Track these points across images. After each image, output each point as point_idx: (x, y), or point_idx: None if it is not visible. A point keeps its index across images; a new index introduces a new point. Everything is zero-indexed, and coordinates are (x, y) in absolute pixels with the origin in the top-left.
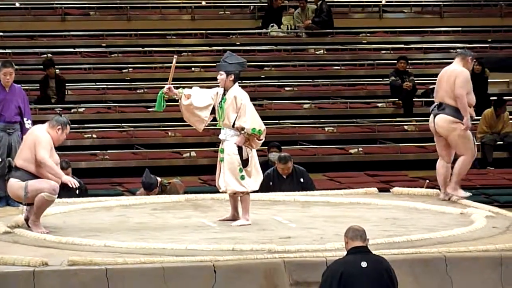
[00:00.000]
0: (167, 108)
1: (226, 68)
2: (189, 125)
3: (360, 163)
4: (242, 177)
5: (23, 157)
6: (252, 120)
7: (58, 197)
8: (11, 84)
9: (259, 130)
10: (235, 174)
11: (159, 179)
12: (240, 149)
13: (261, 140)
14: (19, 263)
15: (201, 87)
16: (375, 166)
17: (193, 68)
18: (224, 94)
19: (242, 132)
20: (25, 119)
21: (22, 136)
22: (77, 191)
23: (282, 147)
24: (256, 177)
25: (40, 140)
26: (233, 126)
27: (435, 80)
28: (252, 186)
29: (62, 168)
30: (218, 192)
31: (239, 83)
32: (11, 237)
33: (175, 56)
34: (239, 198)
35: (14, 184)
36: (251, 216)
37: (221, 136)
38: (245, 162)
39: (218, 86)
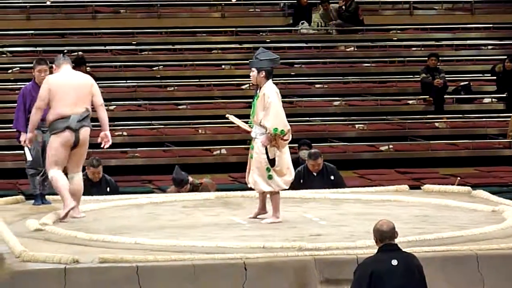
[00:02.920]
0: (197, 106)
1: (257, 64)
2: (219, 123)
3: (391, 160)
4: (270, 177)
5: None
6: (275, 120)
7: (89, 195)
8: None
9: (282, 130)
10: (262, 173)
11: (190, 178)
12: (266, 148)
13: (287, 140)
14: (50, 260)
15: (230, 84)
16: (406, 163)
17: (223, 66)
18: (256, 91)
19: (266, 132)
20: None
21: None
22: (108, 189)
23: (312, 144)
24: (285, 176)
25: None
26: (260, 124)
27: (466, 77)
28: (280, 185)
29: (93, 166)
30: (248, 189)
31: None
32: (43, 234)
33: (229, 115)
34: (268, 195)
35: None
36: (281, 214)
37: (252, 133)
38: (272, 162)
39: (248, 83)
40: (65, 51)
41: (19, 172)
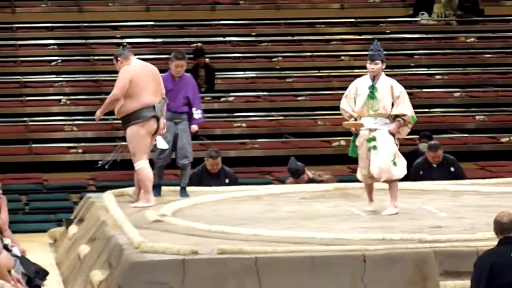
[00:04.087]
0: (316, 97)
1: (382, 57)
2: (338, 114)
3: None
4: (395, 164)
5: None
6: (411, 108)
7: (208, 186)
8: (182, 74)
9: (414, 117)
10: (389, 161)
11: (311, 174)
12: (393, 136)
13: (410, 128)
14: (169, 251)
15: (349, 76)
16: None
17: (342, 57)
18: (373, 84)
19: (398, 119)
20: (194, 109)
21: (190, 126)
22: (227, 180)
23: (432, 135)
24: (402, 162)
25: None
26: (388, 114)
27: None
28: (402, 171)
29: (212, 157)
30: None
31: (387, 71)
32: (161, 225)
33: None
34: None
35: None
36: (401, 205)
37: (370, 125)
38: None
39: (366, 74)
40: (125, 43)
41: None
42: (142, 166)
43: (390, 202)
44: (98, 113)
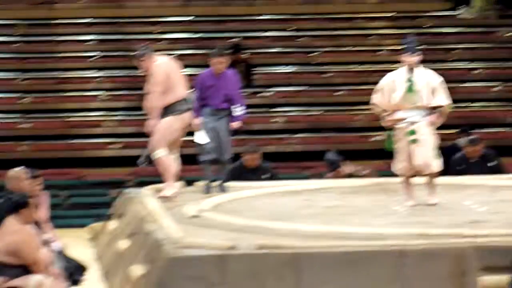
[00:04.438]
0: (355, 92)
1: (418, 49)
2: None
3: None
4: (437, 156)
5: None
6: (449, 98)
7: (246, 181)
8: (222, 71)
9: (450, 106)
10: (432, 154)
11: (353, 168)
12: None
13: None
14: (208, 246)
15: (387, 70)
16: None
17: (380, 52)
18: (410, 76)
19: (437, 111)
20: (236, 105)
21: (231, 123)
22: (265, 175)
23: (471, 130)
24: (440, 155)
25: None
26: (427, 106)
27: None
28: (441, 164)
29: (250, 152)
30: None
31: (426, 65)
32: (200, 221)
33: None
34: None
35: None
36: (440, 201)
37: (410, 118)
38: None
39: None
40: (147, 44)
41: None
42: (162, 154)
43: (430, 195)
44: (151, 122)
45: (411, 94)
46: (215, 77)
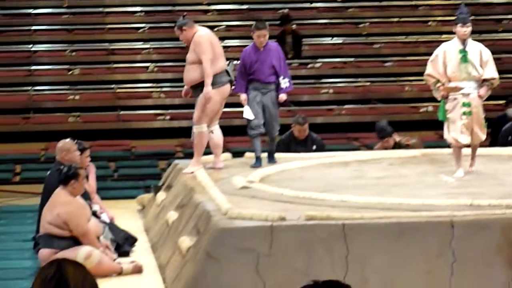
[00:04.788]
0: (403, 62)
1: (470, 20)
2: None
3: None
4: (485, 127)
5: None
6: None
7: (295, 152)
8: (266, 44)
9: (498, 80)
10: (483, 125)
11: (397, 138)
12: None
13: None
14: (257, 217)
15: (436, 41)
16: None
17: (429, 23)
18: (464, 47)
19: (487, 83)
20: (281, 78)
21: (278, 96)
22: (314, 147)
23: None
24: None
25: None
26: (480, 77)
27: None
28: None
29: (299, 123)
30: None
31: (475, 36)
32: (249, 192)
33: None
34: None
35: None
36: (489, 172)
37: (465, 90)
38: None
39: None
40: (185, 13)
41: (226, 129)
42: (202, 130)
43: (472, 163)
44: (208, 89)
45: (466, 65)
46: (258, 51)
